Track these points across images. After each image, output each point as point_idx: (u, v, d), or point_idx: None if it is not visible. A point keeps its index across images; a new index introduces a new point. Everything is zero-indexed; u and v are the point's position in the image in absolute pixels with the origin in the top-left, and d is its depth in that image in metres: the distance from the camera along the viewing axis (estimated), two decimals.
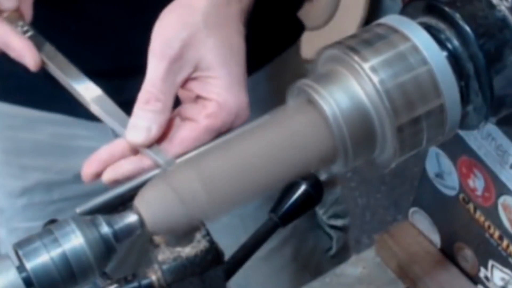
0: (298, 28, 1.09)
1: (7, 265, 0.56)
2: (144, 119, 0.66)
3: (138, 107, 0.66)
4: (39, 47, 0.75)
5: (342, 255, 1.33)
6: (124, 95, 0.70)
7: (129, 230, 0.60)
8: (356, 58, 0.61)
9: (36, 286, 0.57)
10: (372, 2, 2.68)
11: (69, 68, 0.73)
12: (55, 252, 0.57)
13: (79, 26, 0.92)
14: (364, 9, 2.67)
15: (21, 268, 0.57)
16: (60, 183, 1.07)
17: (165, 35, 0.68)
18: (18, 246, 0.58)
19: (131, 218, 0.59)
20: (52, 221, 0.60)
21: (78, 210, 0.62)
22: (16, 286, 0.56)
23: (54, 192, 1.08)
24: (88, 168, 0.67)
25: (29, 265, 0.57)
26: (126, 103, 0.69)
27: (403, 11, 0.66)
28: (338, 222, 1.29)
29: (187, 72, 0.68)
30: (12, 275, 0.56)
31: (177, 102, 0.69)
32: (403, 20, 0.64)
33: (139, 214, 0.59)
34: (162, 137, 0.67)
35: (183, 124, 0.68)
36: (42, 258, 0.57)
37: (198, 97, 0.69)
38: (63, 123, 1.02)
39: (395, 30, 0.63)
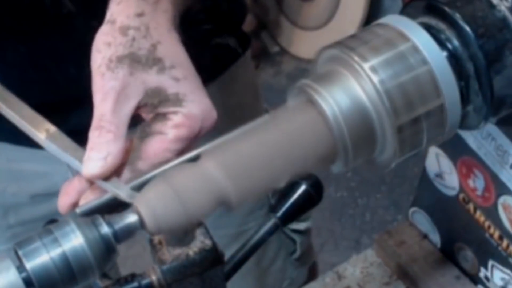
0: (245, 41, 1.10)
1: (7, 265, 0.56)
2: (98, 151, 0.64)
3: (91, 141, 0.65)
4: None
5: (306, 258, 1.33)
6: (67, 125, 0.70)
7: (129, 230, 0.59)
8: (356, 58, 0.61)
9: (36, 286, 0.57)
10: (372, 2, 2.68)
11: (19, 105, 0.71)
12: (55, 252, 0.57)
13: (20, 60, 0.92)
14: (364, 9, 2.67)
15: (21, 268, 0.57)
16: (16, 206, 1.07)
17: (105, 68, 0.66)
18: (18, 246, 0.57)
19: (131, 218, 0.59)
20: (52, 221, 0.60)
21: (78, 210, 0.62)
22: (16, 286, 0.56)
23: (10, 216, 1.08)
24: (64, 200, 0.66)
25: (29, 265, 0.57)
26: (71, 133, 0.68)
27: (403, 11, 0.66)
28: (301, 226, 1.27)
29: (137, 100, 0.66)
30: (12, 275, 0.56)
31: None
32: (403, 20, 0.64)
33: (139, 214, 0.59)
34: (120, 166, 0.65)
35: (150, 139, 0.66)
36: (42, 258, 0.57)
37: (158, 114, 0.67)
38: (11, 148, 1.02)
39: (395, 30, 0.63)
